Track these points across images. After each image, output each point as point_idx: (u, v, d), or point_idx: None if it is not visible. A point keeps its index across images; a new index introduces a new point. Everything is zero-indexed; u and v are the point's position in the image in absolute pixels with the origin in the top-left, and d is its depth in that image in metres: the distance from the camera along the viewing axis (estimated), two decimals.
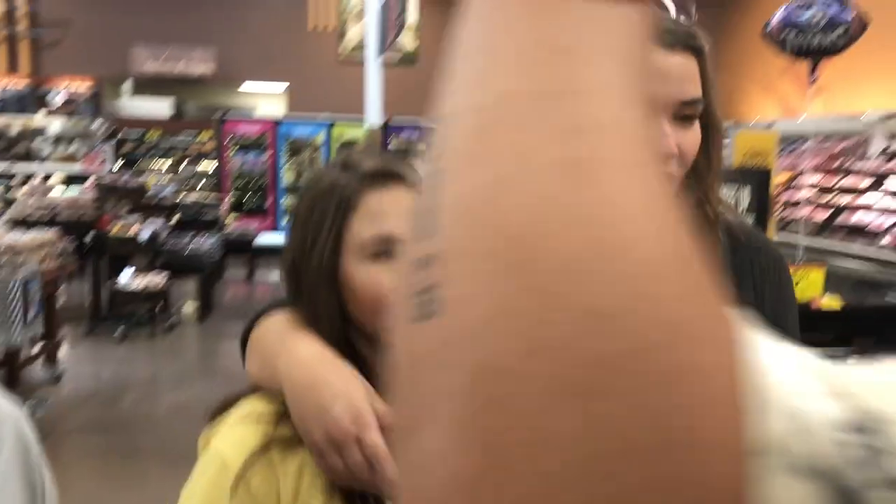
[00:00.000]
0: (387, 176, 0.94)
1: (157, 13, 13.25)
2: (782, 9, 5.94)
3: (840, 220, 8.56)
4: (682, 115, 0.99)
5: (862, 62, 7.77)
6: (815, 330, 3.40)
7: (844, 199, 8.63)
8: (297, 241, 0.96)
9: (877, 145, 8.48)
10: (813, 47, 5.78)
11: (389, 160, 0.97)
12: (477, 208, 0.22)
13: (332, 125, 11.59)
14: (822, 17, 5.65)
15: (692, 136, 1.00)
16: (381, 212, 0.92)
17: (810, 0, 5.69)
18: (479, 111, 0.24)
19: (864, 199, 8.41)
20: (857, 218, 8.35)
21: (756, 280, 1.13)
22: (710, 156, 1.06)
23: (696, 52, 1.00)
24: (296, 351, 0.90)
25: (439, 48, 0.30)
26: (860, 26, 5.73)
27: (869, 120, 8.49)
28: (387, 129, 11.10)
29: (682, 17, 1.01)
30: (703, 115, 1.02)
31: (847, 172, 8.74)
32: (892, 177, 8.18)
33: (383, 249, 0.91)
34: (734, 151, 5.25)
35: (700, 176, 1.05)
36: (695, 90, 0.99)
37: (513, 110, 0.23)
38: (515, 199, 0.22)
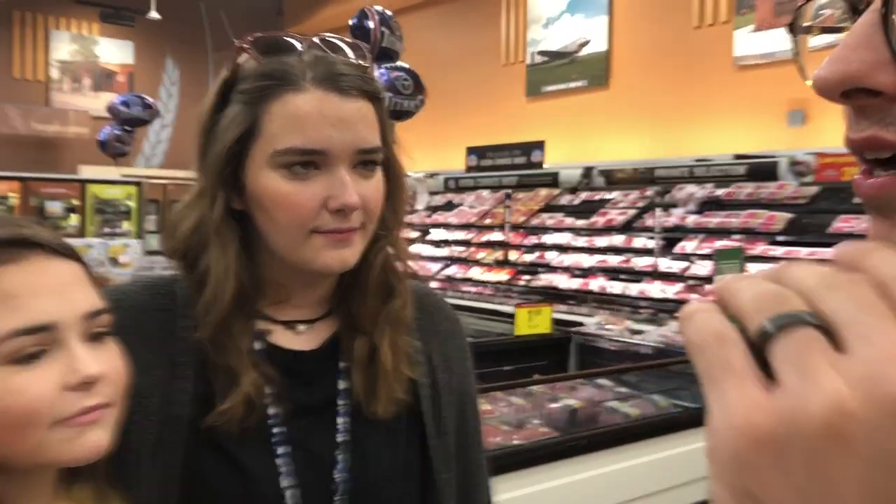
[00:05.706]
0: (20, 245, 0.76)
1: None
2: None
3: None
4: (361, 163, 0.95)
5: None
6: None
7: None
8: None
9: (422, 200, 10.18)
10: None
11: (20, 224, 0.78)
12: None
13: None
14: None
15: (374, 186, 0.97)
16: (15, 295, 0.73)
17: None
18: None
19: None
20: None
21: (442, 344, 1.11)
22: (395, 206, 1.03)
23: (372, 97, 0.97)
24: None
25: None
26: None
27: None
28: None
29: (358, 61, 0.99)
30: (385, 164, 0.99)
31: None
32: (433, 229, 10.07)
33: (38, 350, 0.73)
34: None
35: (387, 227, 1.02)
36: (373, 137, 0.96)
37: None
38: None
